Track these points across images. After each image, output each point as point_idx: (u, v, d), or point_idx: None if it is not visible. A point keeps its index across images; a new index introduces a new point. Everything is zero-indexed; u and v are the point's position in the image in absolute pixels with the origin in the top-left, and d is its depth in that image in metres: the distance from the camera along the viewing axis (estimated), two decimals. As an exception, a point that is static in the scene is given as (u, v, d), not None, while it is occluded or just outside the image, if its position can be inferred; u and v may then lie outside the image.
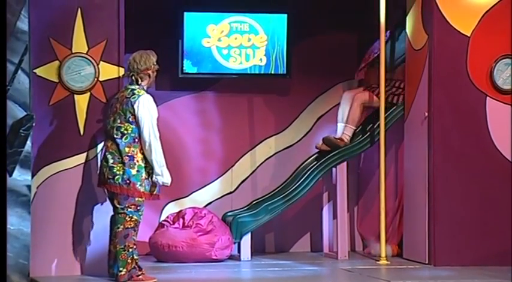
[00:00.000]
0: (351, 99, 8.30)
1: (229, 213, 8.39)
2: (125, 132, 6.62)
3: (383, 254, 7.92)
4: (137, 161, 6.57)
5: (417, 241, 7.91)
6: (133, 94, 6.65)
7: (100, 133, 7.11)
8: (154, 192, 6.69)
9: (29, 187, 6.84)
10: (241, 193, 8.78)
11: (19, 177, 6.76)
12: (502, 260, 7.60)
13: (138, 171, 6.56)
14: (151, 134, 6.56)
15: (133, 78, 6.76)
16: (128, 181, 6.54)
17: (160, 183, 6.63)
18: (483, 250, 7.61)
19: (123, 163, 6.56)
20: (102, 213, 6.87)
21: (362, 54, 8.88)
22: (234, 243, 8.13)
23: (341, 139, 8.24)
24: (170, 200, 8.55)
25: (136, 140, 6.59)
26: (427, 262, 7.78)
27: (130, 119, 6.60)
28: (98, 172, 6.82)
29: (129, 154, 6.57)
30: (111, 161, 6.60)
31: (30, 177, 6.87)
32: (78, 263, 7.09)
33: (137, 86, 6.71)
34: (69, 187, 7.08)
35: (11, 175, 6.69)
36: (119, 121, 6.64)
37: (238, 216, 8.21)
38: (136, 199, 6.57)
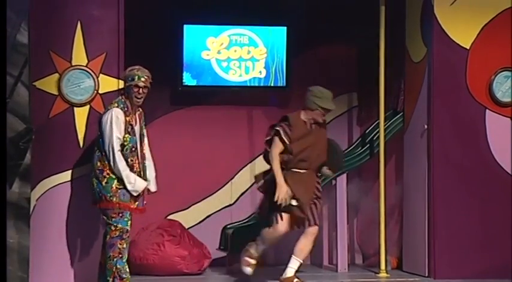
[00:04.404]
0: None
1: (229, 226, 8.38)
2: (96, 147, 6.66)
3: (382, 267, 7.91)
4: (107, 174, 6.55)
5: (417, 254, 7.90)
6: (107, 109, 6.68)
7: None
8: (135, 205, 6.63)
9: (28, 200, 6.85)
10: (241, 205, 8.77)
11: (18, 189, 6.76)
12: (502, 273, 7.60)
13: (106, 183, 6.55)
14: (109, 150, 6.51)
15: (123, 89, 6.78)
16: (100, 194, 6.57)
17: (130, 190, 6.57)
18: (483, 263, 7.60)
19: (96, 177, 6.59)
20: (101, 226, 6.86)
21: (361, 66, 8.90)
22: (233, 254, 8.12)
23: None
24: (170, 213, 8.54)
25: (104, 153, 6.58)
26: (426, 275, 7.77)
27: (99, 134, 6.64)
28: None
29: (100, 168, 6.58)
30: (92, 175, 6.65)
31: (29, 190, 6.88)
32: (78, 275, 7.08)
33: (117, 99, 6.68)
34: (69, 200, 7.07)
35: (10, 188, 6.69)
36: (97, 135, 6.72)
37: (238, 228, 8.20)
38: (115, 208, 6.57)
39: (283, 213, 7.03)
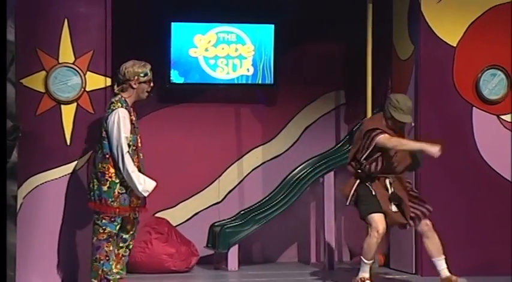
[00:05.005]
0: None
1: (216, 224, 8.38)
2: (99, 147, 6.54)
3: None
4: (109, 177, 6.45)
5: (404, 251, 7.92)
6: (110, 108, 6.52)
7: (86, 143, 7.11)
8: (137, 205, 6.58)
9: (15, 197, 6.83)
10: (228, 203, 8.78)
11: (5, 187, 6.73)
12: (488, 270, 7.64)
13: (109, 187, 6.45)
14: (118, 151, 6.40)
15: (121, 87, 6.62)
16: (100, 197, 6.46)
17: (141, 191, 6.49)
18: (469, 260, 7.62)
19: (97, 179, 6.48)
20: (88, 223, 6.86)
21: (349, 63, 8.92)
22: (221, 252, 8.13)
23: None
24: (157, 211, 8.52)
25: (107, 156, 6.45)
26: (413, 272, 7.79)
27: (103, 134, 6.50)
28: None
29: (101, 170, 6.46)
30: (92, 176, 6.54)
31: (16, 188, 6.86)
32: (65, 273, 7.07)
33: (117, 98, 6.54)
34: (56, 197, 7.06)
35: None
36: (99, 135, 6.60)
37: (226, 226, 8.21)
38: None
39: (376, 215, 6.80)
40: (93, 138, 7.12)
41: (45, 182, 7.06)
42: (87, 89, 7.17)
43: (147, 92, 6.64)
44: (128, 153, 6.41)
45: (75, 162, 7.08)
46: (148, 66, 6.65)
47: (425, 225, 6.91)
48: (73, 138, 7.11)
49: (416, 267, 7.79)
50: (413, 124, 7.78)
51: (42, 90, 7.10)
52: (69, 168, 7.08)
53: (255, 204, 8.52)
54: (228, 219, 8.46)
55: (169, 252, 7.94)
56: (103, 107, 7.18)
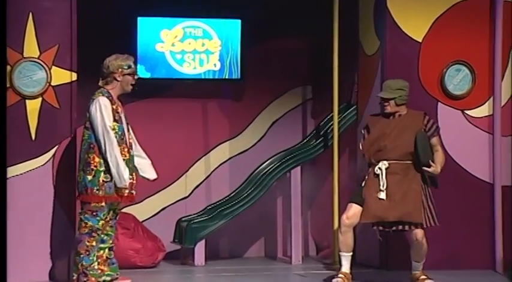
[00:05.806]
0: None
1: (183, 219, 8.38)
2: (83, 138, 6.53)
3: (336, 259, 7.95)
4: (94, 166, 6.43)
5: (370, 246, 7.95)
6: (91, 99, 6.51)
7: (52, 138, 7.07)
8: (126, 193, 6.54)
9: (-21, 193, 6.78)
10: (195, 198, 8.78)
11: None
12: (452, 264, 7.72)
13: (94, 176, 6.43)
14: (105, 138, 6.38)
15: (105, 80, 6.59)
16: (85, 187, 6.44)
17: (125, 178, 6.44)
18: (434, 254, 7.66)
19: (83, 170, 6.47)
20: (54, 219, 6.82)
21: (315, 59, 8.94)
22: (187, 247, 8.13)
23: None
24: (123, 206, 8.49)
25: (92, 145, 6.44)
26: (379, 266, 7.83)
27: (87, 125, 6.49)
28: None
29: (87, 161, 6.45)
30: (79, 167, 6.52)
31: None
32: (31, 270, 7.02)
33: (99, 90, 6.53)
34: (20, 193, 7.01)
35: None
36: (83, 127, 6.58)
37: (193, 221, 8.21)
38: (93, 204, 6.46)
39: (350, 205, 6.82)
40: (59, 133, 7.10)
41: (10, 178, 7.00)
42: (52, 84, 7.13)
43: (131, 84, 6.64)
44: (115, 139, 6.41)
45: (40, 157, 7.03)
46: (132, 59, 6.67)
47: (414, 236, 6.81)
48: (38, 133, 7.07)
49: (381, 261, 7.83)
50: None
51: (7, 84, 7.03)
52: (34, 163, 7.04)
53: (222, 199, 8.52)
54: (194, 214, 8.45)
55: (135, 248, 7.92)
56: (68, 102, 7.16)
